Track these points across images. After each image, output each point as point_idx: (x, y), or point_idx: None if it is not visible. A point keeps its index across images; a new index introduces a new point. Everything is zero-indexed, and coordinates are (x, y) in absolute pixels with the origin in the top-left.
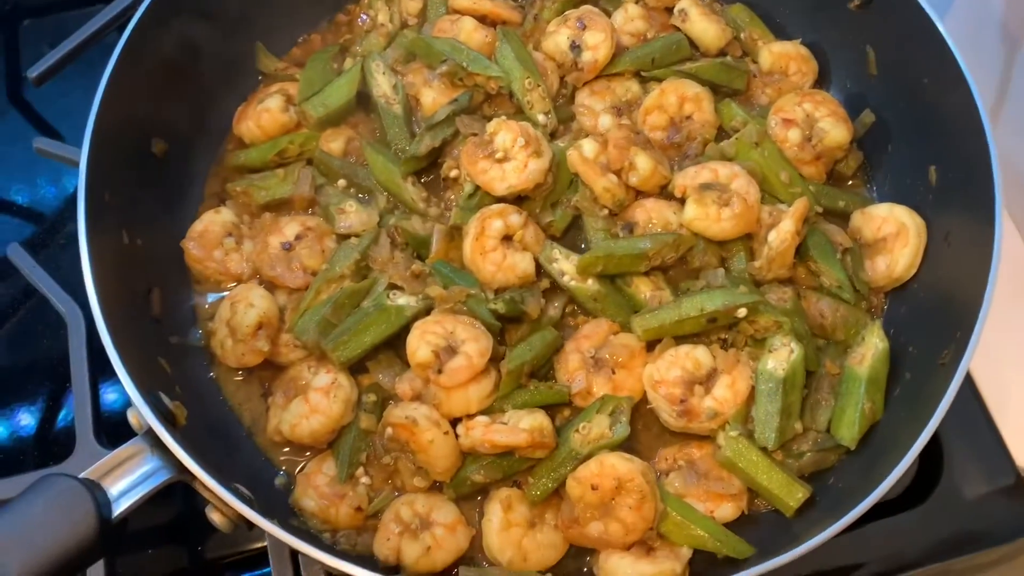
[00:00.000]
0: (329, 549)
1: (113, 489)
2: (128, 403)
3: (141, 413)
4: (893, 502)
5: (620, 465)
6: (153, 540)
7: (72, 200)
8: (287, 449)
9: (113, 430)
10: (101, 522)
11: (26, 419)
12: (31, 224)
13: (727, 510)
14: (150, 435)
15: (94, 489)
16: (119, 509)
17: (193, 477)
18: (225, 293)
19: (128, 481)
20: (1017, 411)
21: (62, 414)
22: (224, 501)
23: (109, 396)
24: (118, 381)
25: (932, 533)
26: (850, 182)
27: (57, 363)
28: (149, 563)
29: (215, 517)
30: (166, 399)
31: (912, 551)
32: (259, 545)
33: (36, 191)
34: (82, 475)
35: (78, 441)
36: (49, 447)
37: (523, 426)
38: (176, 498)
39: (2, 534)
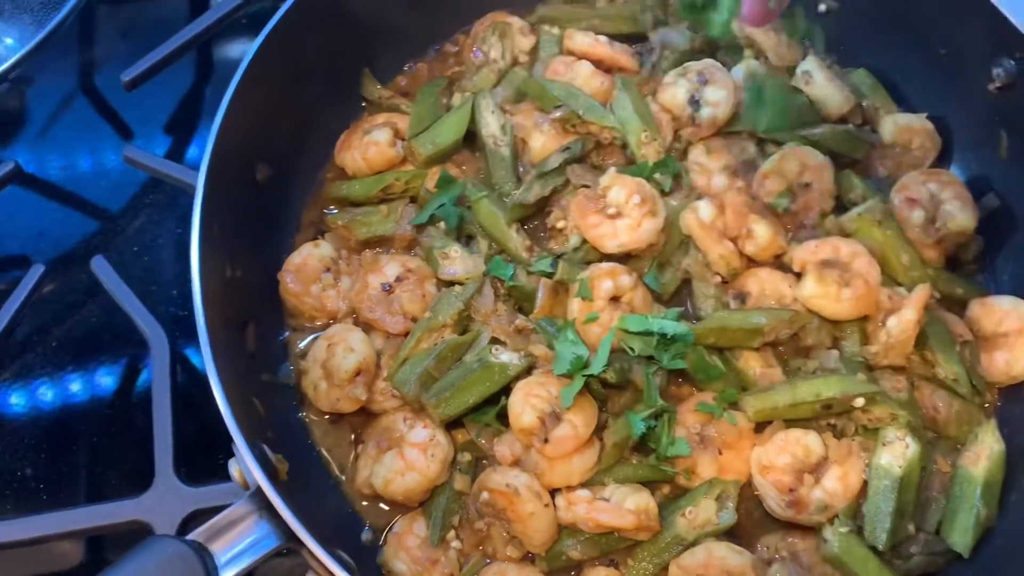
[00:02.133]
0: None
1: (220, 555)
2: (210, 442)
3: (248, 470)
4: None
5: (730, 558)
6: None
7: (139, 201)
8: (375, 503)
9: (192, 463)
10: None
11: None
12: (96, 221)
13: None
14: (257, 497)
15: (203, 553)
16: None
17: (300, 544)
18: (318, 331)
19: (237, 547)
20: None
21: (135, 432)
22: (328, 571)
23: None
24: (198, 411)
25: None
26: (968, 268)
27: (128, 370)
28: None
29: None
30: (269, 452)
31: None
32: None
33: (101, 186)
34: (190, 537)
35: (157, 474)
36: (126, 474)
37: (628, 506)
38: None
39: None
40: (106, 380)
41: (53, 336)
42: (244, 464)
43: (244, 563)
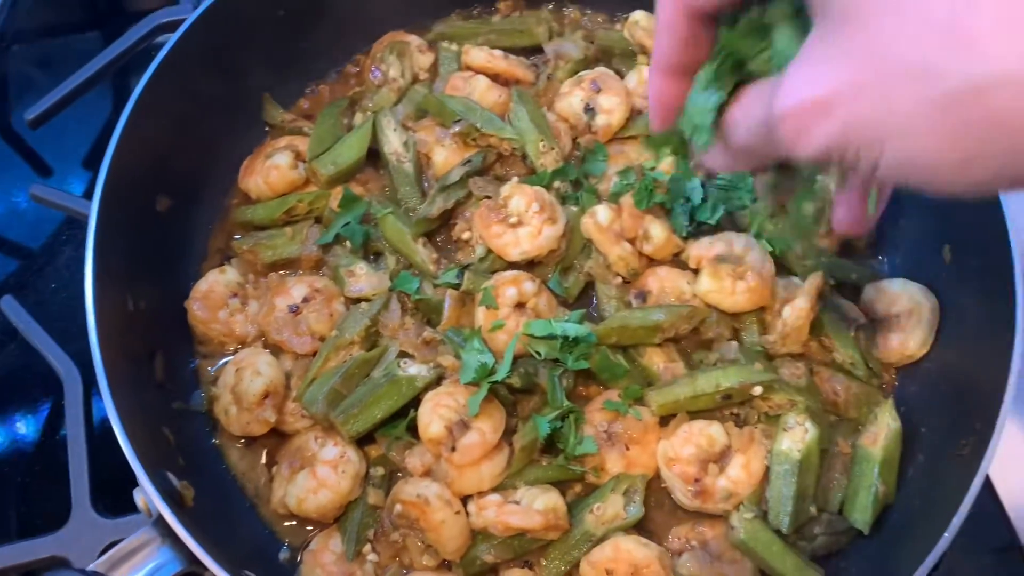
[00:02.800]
0: None
1: None
2: (128, 475)
3: (151, 499)
4: None
5: (637, 551)
6: None
7: (56, 239)
8: (292, 522)
9: (110, 496)
10: None
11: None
12: (14, 260)
13: None
14: (160, 524)
15: None
16: None
17: (203, 567)
18: (228, 356)
19: (139, 574)
20: None
21: (54, 467)
22: None
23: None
24: (115, 446)
25: None
26: (862, 253)
27: (47, 412)
28: None
29: None
30: (173, 479)
31: None
32: None
33: (19, 228)
34: (91, 567)
35: (74, 508)
36: (50, 512)
37: (537, 507)
38: None
39: None
40: (28, 420)
41: None
42: (146, 492)
43: None
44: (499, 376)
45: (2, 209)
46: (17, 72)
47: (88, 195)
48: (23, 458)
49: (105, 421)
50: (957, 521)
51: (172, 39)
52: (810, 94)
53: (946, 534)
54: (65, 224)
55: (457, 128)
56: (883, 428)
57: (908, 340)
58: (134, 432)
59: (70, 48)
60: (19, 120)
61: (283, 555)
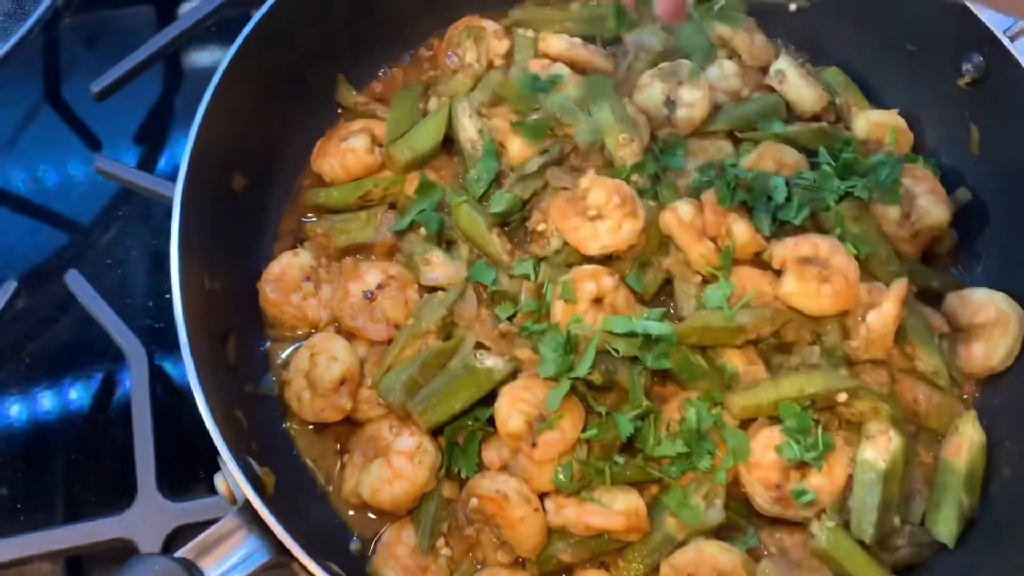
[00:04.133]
0: None
1: (210, 572)
2: (192, 455)
3: (235, 485)
4: None
5: (721, 556)
6: None
7: (109, 214)
8: (363, 512)
9: (173, 478)
10: None
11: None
12: (66, 234)
13: None
14: (245, 511)
15: (192, 571)
16: None
17: (291, 557)
18: (300, 341)
19: (227, 564)
20: None
21: (115, 447)
22: None
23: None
24: (177, 424)
25: None
26: (943, 261)
27: (106, 388)
28: None
29: None
30: (255, 465)
31: None
32: None
33: (71, 198)
34: (178, 554)
35: (140, 490)
36: (106, 491)
37: (618, 507)
38: None
39: None
40: (82, 396)
41: (27, 352)
42: (231, 478)
43: None
44: (580, 372)
45: (54, 182)
46: (67, 46)
47: (143, 168)
48: (72, 437)
49: (167, 400)
50: None
51: (257, 16)
52: None
53: None
54: (119, 198)
55: (536, 117)
56: (966, 440)
57: (993, 351)
58: (216, 413)
59: (120, 23)
60: (70, 92)
61: (354, 546)
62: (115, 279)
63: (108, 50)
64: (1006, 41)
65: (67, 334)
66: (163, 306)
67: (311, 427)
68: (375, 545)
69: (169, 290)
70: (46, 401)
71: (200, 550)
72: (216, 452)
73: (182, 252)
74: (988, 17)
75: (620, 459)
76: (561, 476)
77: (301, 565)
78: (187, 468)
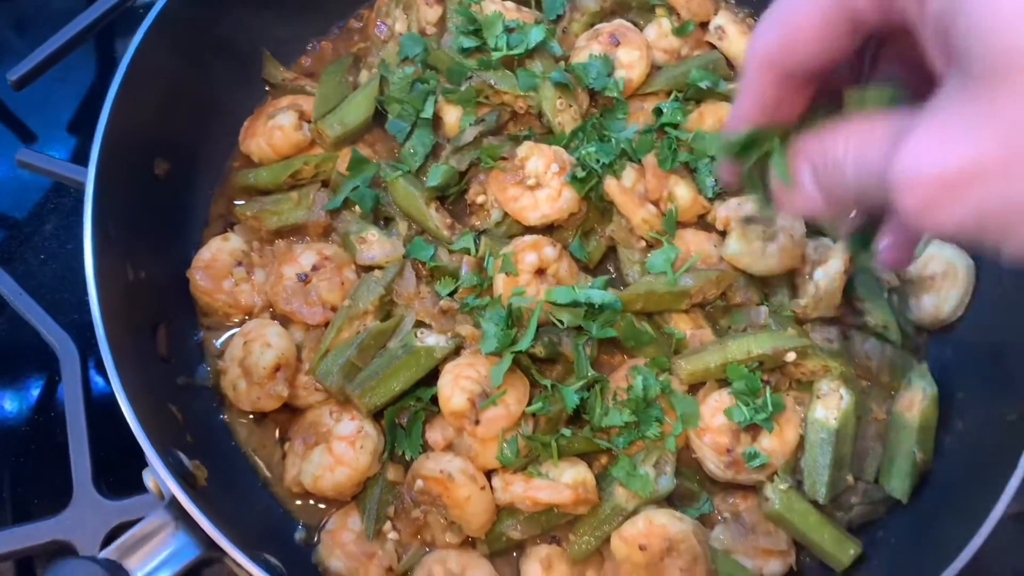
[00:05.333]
0: None
1: (137, 571)
2: (131, 453)
3: (162, 481)
4: None
5: (671, 525)
6: None
7: (42, 207)
8: (307, 501)
9: (115, 476)
10: None
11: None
12: None
13: (776, 567)
14: (173, 506)
15: (117, 572)
16: None
17: (222, 552)
18: (234, 328)
19: (154, 561)
20: None
21: (51, 449)
22: None
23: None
24: (117, 421)
25: None
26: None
27: (42, 391)
28: None
29: None
30: (184, 458)
31: None
32: None
33: (1, 193)
34: (102, 555)
35: (76, 489)
36: (48, 492)
37: (565, 481)
38: None
39: None
40: (18, 397)
41: None
42: (157, 474)
43: None
44: (522, 346)
45: None
46: None
47: (75, 160)
48: (15, 438)
49: (103, 396)
50: (1009, 492)
51: None
52: (942, 167)
53: (998, 506)
54: (52, 192)
55: (469, 85)
56: (918, 393)
57: (943, 303)
58: (141, 409)
59: (47, 8)
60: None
61: (299, 535)
62: (50, 275)
63: (40, 37)
64: None
65: (2, 334)
66: None
67: (250, 416)
68: (319, 534)
69: None
70: None
71: (125, 549)
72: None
73: (97, 243)
74: None
75: (567, 432)
76: (507, 451)
77: (233, 560)
78: (128, 465)
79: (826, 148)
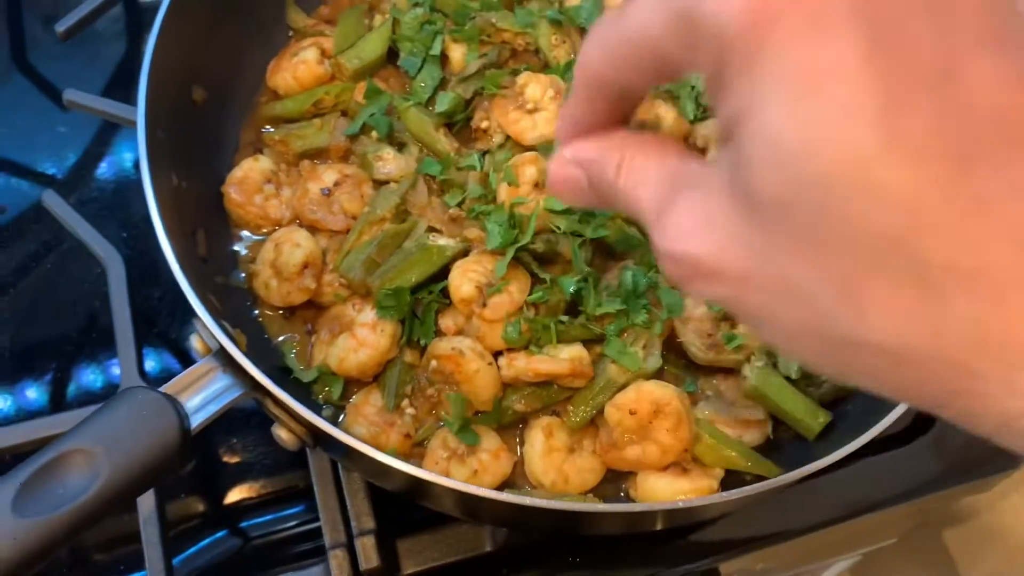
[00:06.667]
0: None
1: (189, 404)
2: (172, 359)
3: (212, 332)
4: (897, 436)
5: (657, 390)
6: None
7: (85, 159)
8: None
9: (154, 380)
10: (182, 432)
11: (65, 369)
12: (43, 185)
13: (754, 435)
14: (219, 356)
15: (174, 402)
16: (197, 422)
17: (264, 393)
18: (265, 238)
19: (203, 397)
20: None
21: (93, 368)
22: (293, 416)
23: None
24: (155, 337)
25: (930, 465)
26: None
27: (84, 319)
28: (182, 507)
29: (282, 434)
30: (227, 326)
31: (911, 481)
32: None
33: (45, 153)
34: (161, 389)
35: (123, 380)
36: (90, 395)
37: (563, 356)
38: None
39: (93, 438)
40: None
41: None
42: (204, 331)
43: (212, 410)
44: (523, 241)
45: (27, 139)
46: (29, 14)
47: None
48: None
49: (144, 309)
50: None
51: None
52: (698, 256)
53: None
54: (91, 152)
55: (472, 24)
56: None
57: None
58: (189, 277)
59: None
60: (36, 57)
61: (326, 412)
62: (94, 208)
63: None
64: None
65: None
66: (138, 231)
67: (280, 312)
68: (346, 408)
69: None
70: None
71: (180, 387)
72: (192, 314)
73: (149, 143)
74: None
75: (564, 319)
76: (511, 330)
77: (274, 400)
78: (164, 366)
79: (603, 165)
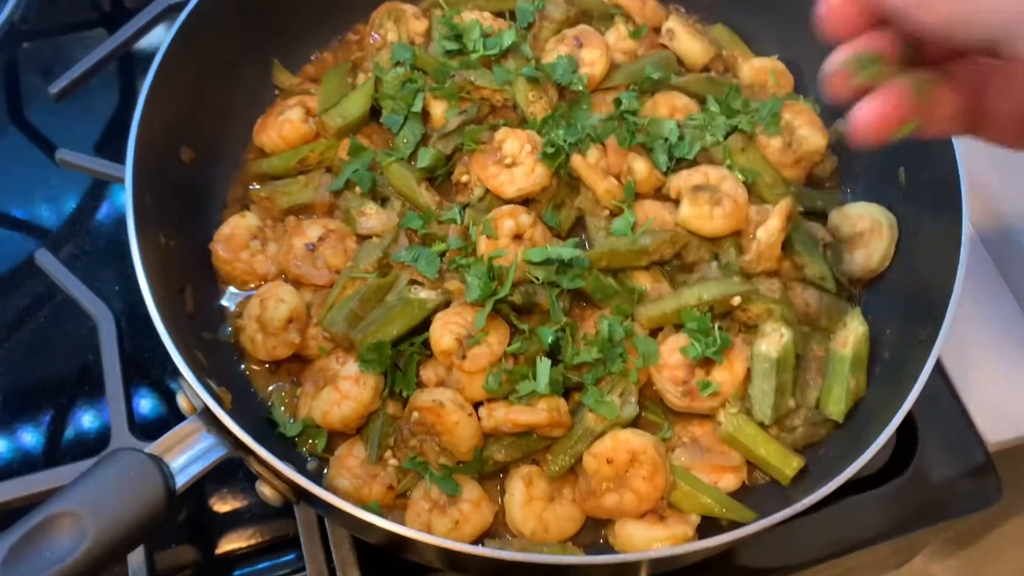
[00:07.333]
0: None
1: (175, 464)
2: (162, 406)
3: (195, 393)
4: (874, 477)
5: (633, 439)
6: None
7: (77, 214)
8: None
9: (144, 428)
10: (168, 493)
11: (58, 420)
12: (36, 239)
13: (729, 481)
14: (204, 415)
15: (159, 463)
16: (182, 482)
17: (247, 452)
18: (252, 292)
19: (188, 456)
20: (982, 392)
21: (85, 418)
22: (276, 474)
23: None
24: (146, 386)
25: (908, 505)
26: (827, 184)
27: (75, 371)
28: (174, 556)
29: (266, 491)
30: (212, 384)
31: (889, 521)
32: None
33: (39, 207)
34: (146, 450)
35: (114, 435)
36: (80, 448)
37: (542, 406)
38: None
39: (80, 501)
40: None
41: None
42: (190, 391)
43: (197, 469)
44: (501, 294)
45: (22, 194)
46: (27, 68)
47: None
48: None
49: (136, 363)
50: (912, 398)
51: (183, 12)
52: None
53: (906, 403)
54: (82, 209)
55: (452, 82)
56: (852, 332)
57: (871, 255)
58: (175, 339)
59: (77, 45)
60: (32, 112)
61: (310, 465)
62: (84, 264)
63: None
64: None
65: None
66: (129, 283)
67: (266, 366)
68: (329, 461)
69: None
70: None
71: (165, 448)
72: (179, 375)
73: (136, 206)
74: None
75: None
76: (491, 381)
77: (258, 458)
78: (158, 416)
79: None
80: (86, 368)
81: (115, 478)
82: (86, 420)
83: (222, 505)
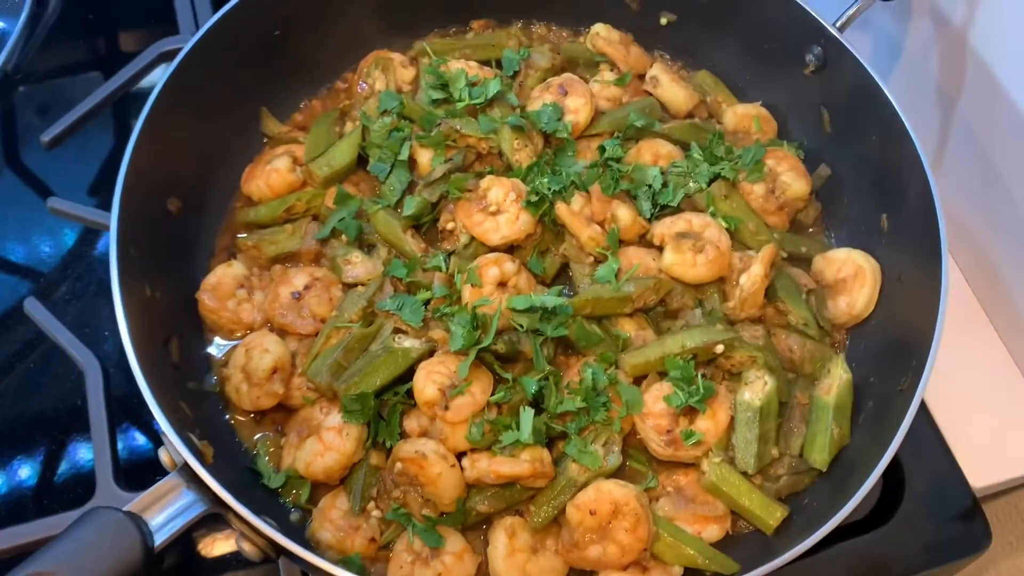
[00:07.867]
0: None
1: (153, 522)
2: (149, 447)
3: (176, 449)
4: (860, 523)
5: (616, 491)
6: None
7: (70, 257)
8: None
9: (130, 475)
10: (145, 551)
11: (43, 465)
12: (29, 281)
13: (713, 531)
14: (184, 471)
15: (138, 521)
16: (160, 539)
17: (227, 508)
18: (238, 342)
19: (167, 514)
20: (968, 436)
21: (72, 461)
22: (255, 530)
23: (125, 444)
24: (133, 431)
25: (895, 552)
26: (811, 230)
27: (64, 414)
28: None
29: (245, 547)
30: (194, 438)
31: (876, 570)
32: None
33: (32, 250)
34: (125, 508)
35: (99, 485)
36: (67, 492)
37: (524, 457)
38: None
39: (58, 561)
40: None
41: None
42: (171, 446)
43: (175, 527)
44: (485, 343)
45: (16, 237)
46: (23, 110)
47: None
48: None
49: (124, 413)
50: (898, 437)
51: (175, 61)
52: None
53: (888, 451)
54: (74, 254)
55: (438, 131)
56: (836, 379)
57: (855, 302)
58: (157, 394)
59: (73, 86)
60: (27, 155)
61: (294, 516)
62: (72, 312)
63: (64, 113)
64: (835, 32)
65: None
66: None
67: (251, 416)
68: (312, 512)
69: None
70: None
71: (144, 505)
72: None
73: (121, 262)
74: (818, 11)
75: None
76: (474, 431)
77: (237, 516)
78: (143, 467)
79: None
80: (76, 411)
81: (93, 537)
82: (76, 458)
83: (209, 551)
